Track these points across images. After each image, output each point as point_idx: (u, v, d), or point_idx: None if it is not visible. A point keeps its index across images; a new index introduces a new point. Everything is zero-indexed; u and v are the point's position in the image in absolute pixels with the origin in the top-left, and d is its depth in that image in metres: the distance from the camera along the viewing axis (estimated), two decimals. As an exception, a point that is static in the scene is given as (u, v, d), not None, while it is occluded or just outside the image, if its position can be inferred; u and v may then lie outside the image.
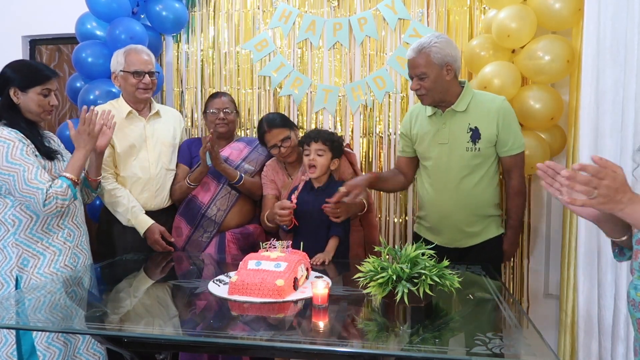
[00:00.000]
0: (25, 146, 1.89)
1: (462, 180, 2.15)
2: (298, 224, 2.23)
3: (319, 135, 2.27)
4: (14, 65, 2.00)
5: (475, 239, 2.21)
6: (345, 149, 2.43)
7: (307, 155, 2.26)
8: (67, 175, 1.95)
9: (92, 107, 2.05)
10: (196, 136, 3.06)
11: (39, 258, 1.95)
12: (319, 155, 2.24)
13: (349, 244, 2.31)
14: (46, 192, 1.86)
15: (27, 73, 1.97)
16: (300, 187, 2.28)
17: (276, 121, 2.39)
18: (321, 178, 2.28)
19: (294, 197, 2.24)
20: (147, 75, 2.38)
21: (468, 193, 2.16)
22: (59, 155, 2.05)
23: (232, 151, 2.53)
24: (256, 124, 3.04)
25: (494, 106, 2.13)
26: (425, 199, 2.28)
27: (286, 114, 2.97)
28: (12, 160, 1.85)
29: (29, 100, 1.96)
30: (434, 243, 2.27)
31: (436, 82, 2.10)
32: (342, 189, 2.09)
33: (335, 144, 2.28)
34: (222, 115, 2.50)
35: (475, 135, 2.13)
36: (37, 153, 1.94)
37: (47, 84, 1.99)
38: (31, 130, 1.97)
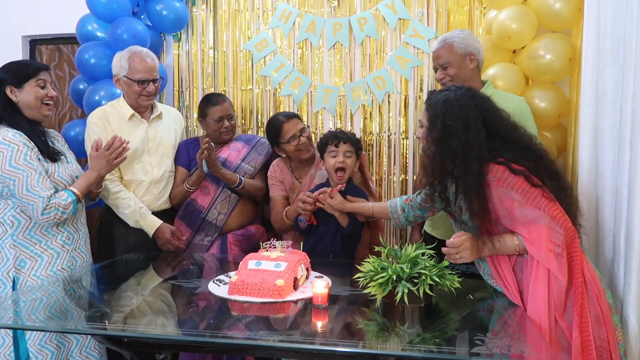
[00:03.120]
0: (29, 150, 1.89)
1: None
2: (316, 223, 2.18)
3: (347, 137, 2.20)
4: (3, 67, 2.00)
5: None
6: None
7: (334, 156, 2.18)
8: (75, 190, 1.95)
9: (119, 138, 2.07)
10: (196, 135, 3.04)
11: (36, 260, 1.94)
12: (348, 157, 2.18)
13: (359, 245, 2.30)
14: (47, 200, 1.85)
15: (18, 70, 1.97)
16: (337, 189, 2.13)
17: (291, 113, 2.42)
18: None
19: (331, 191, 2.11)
20: (151, 83, 2.33)
21: None
22: (62, 157, 2.04)
23: (230, 152, 2.50)
24: (256, 124, 3.06)
25: (511, 104, 2.14)
26: None
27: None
28: (15, 164, 1.84)
29: (26, 94, 1.95)
30: (439, 238, 2.29)
31: (460, 69, 2.17)
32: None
33: (359, 146, 2.26)
34: (227, 123, 2.45)
35: None
36: (40, 156, 1.93)
37: (40, 75, 1.98)
38: (33, 129, 1.96)
